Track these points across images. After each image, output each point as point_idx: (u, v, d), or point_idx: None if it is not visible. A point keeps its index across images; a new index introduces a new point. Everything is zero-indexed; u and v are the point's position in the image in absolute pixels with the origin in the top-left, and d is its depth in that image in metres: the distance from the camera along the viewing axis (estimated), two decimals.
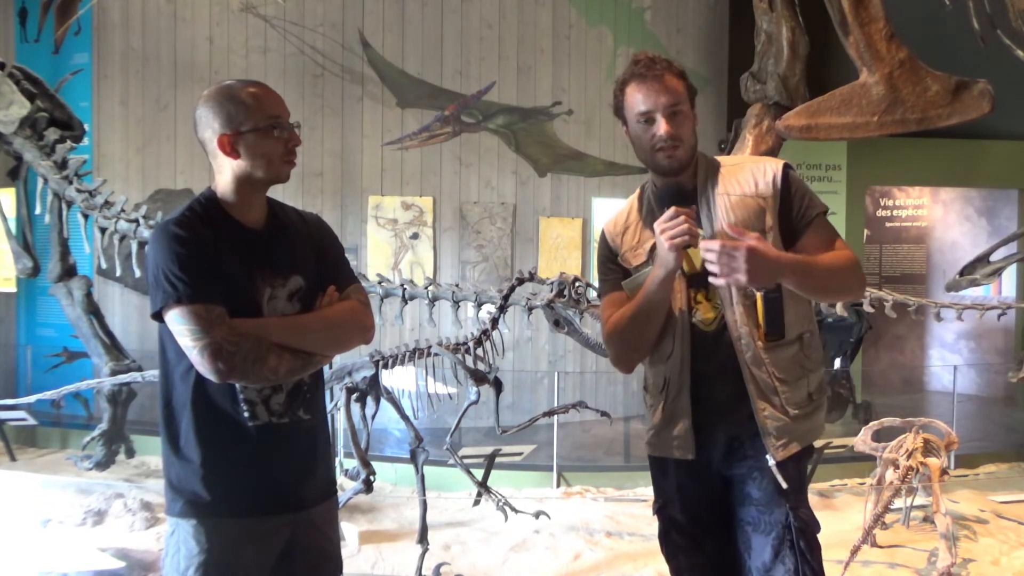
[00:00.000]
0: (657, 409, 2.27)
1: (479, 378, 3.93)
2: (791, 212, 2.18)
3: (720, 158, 2.30)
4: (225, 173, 1.97)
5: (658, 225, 2.09)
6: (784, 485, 2.11)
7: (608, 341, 2.30)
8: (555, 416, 4.86)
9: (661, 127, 2.13)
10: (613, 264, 2.34)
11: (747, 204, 2.17)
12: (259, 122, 1.93)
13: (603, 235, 2.39)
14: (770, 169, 2.20)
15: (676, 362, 2.21)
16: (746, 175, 2.21)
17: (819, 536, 2.17)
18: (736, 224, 2.10)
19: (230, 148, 1.93)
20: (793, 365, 2.17)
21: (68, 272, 5.13)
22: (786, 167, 2.22)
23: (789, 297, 2.14)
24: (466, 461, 4.18)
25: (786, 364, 2.16)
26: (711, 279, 2.00)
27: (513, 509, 4.16)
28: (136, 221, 4.54)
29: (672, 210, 2.07)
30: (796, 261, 2.06)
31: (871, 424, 4.76)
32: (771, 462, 2.12)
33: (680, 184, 2.19)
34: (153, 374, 4.56)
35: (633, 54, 2.24)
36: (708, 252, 1.97)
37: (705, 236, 2.13)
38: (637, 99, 2.16)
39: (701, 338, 2.19)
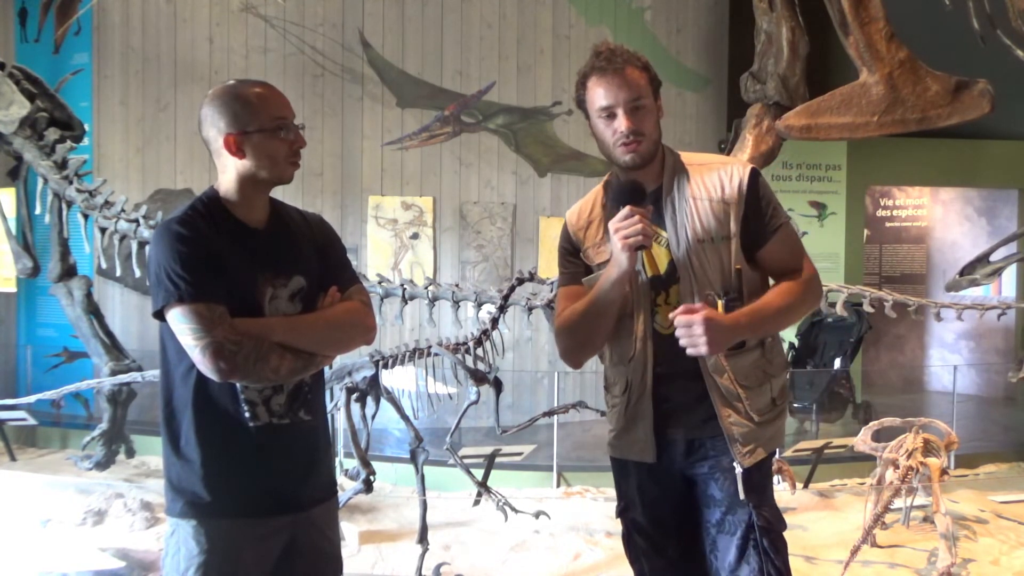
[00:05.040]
0: (619, 411, 2.23)
1: (479, 378, 3.92)
2: (756, 220, 2.14)
3: (684, 155, 2.24)
4: (229, 172, 1.97)
5: (612, 224, 2.05)
6: (742, 495, 2.09)
7: (558, 335, 2.25)
8: (555, 416, 4.87)
9: (622, 123, 2.09)
10: (573, 258, 2.28)
11: (712, 209, 2.13)
12: (266, 123, 1.93)
13: (564, 227, 2.32)
14: (737, 174, 2.15)
15: (638, 365, 2.16)
16: (713, 178, 2.16)
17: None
18: (701, 230, 2.11)
19: (236, 148, 1.93)
20: (755, 371, 2.15)
21: (68, 272, 5.12)
22: (754, 173, 2.17)
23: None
24: (466, 461, 4.18)
25: (748, 370, 2.14)
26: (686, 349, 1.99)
27: (513, 509, 4.16)
28: (136, 221, 4.54)
29: (627, 209, 2.03)
30: (750, 315, 2.05)
31: (871, 424, 4.76)
32: (738, 470, 2.09)
33: (636, 182, 2.12)
34: (153, 374, 4.56)
35: (594, 45, 2.18)
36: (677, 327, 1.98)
37: (667, 238, 2.13)
38: (598, 93, 2.12)
39: (662, 342, 2.13)
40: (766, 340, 2.19)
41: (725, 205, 2.12)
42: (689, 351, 1.98)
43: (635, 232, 2.00)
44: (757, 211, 2.14)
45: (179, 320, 1.85)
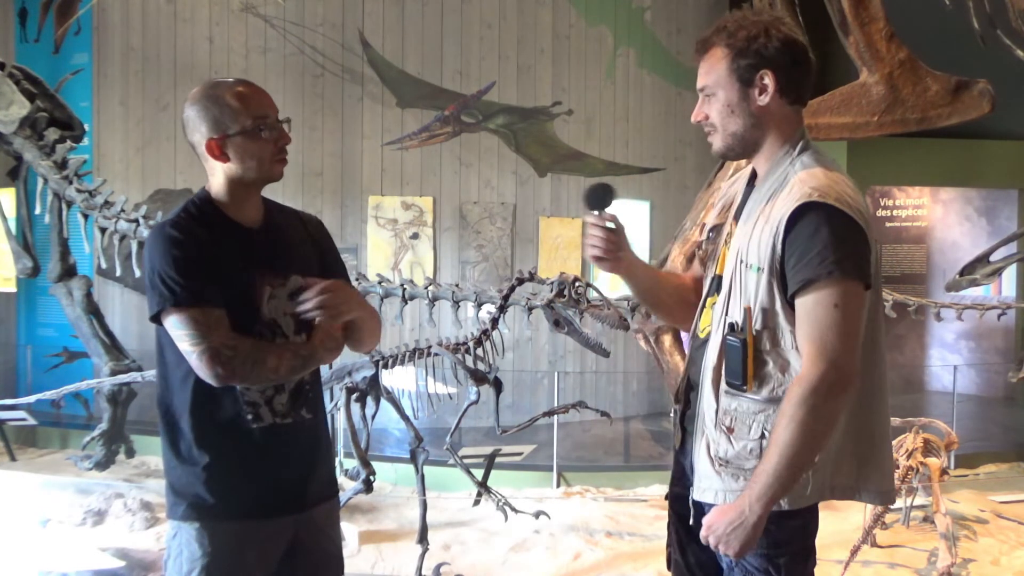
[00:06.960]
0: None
1: (479, 378, 3.92)
2: (785, 265, 1.78)
3: (808, 171, 1.84)
4: (217, 175, 1.96)
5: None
6: (691, 521, 1.95)
7: None
8: (555, 416, 4.86)
9: (694, 111, 1.94)
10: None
11: (761, 232, 1.82)
12: (245, 124, 1.90)
13: None
14: (790, 203, 1.77)
15: (689, 357, 2.11)
16: (781, 200, 1.81)
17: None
18: (744, 250, 1.85)
19: (219, 152, 1.91)
20: (746, 420, 1.84)
21: (68, 272, 5.12)
22: (800, 209, 1.75)
23: (782, 353, 1.81)
24: (466, 461, 4.18)
25: (742, 416, 1.85)
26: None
27: (513, 509, 4.16)
28: (136, 221, 4.54)
29: (593, 216, 1.97)
30: (751, 485, 1.76)
31: None
32: (691, 496, 1.96)
33: (603, 186, 2.02)
34: (153, 374, 4.54)
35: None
36: None
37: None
38: None
39: (695, 344, 2.05)
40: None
41: (766, 235, 1.80)
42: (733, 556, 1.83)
43: (592, 243, 1.96)
44: (789, 255, 1.77)
45: (175, 326, 1.84)
